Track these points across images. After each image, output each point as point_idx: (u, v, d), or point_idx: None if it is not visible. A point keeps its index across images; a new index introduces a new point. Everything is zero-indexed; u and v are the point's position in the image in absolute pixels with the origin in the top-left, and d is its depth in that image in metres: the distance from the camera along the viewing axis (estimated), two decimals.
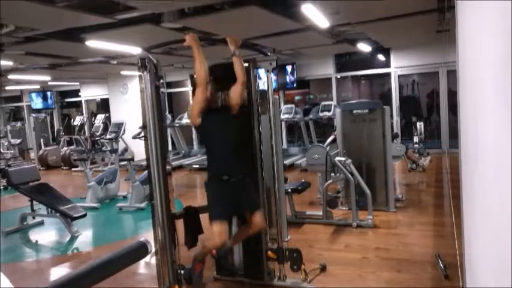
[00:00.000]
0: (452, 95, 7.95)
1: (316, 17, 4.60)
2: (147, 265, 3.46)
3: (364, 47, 7.67)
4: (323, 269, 3.10)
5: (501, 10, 0.86)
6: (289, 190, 4.19)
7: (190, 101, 2.67)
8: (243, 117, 2.74)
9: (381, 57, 8.83)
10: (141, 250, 1.95)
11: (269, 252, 2.92)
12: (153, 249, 2.34)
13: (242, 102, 2.66)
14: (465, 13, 1.25)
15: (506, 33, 0.82)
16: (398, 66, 8.49)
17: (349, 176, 4.16)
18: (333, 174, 4.30)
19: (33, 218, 5.03)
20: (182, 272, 2.68)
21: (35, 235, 4.78)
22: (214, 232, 2.51)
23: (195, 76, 2.56)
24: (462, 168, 1.47)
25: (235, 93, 2.62)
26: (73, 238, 4.46)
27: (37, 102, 11.89)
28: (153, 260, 2.77)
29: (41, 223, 5.08)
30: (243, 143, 2.73)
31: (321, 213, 4.30)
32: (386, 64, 8.68)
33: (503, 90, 0.84)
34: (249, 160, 2.81)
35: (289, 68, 8.83)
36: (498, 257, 0.90)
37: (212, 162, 2.66)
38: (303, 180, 4.69)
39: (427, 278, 2.90)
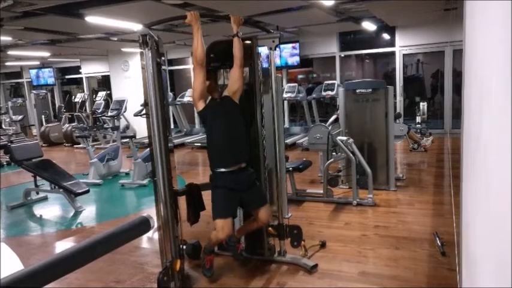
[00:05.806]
0: (457, 75, 7.85)
1: None
2: (150, 240, 3.54)
3: (369, 26, 7.51)
4: (323, 245, 3.17)
5: None
6: (291, 168, 4.21)
7: (192, 78, 2.66)
8: (246, 100, 2.74)
9: (385, 36, 8.66)
10: (143, 225, 1.97)
11: (270, 228, 2.97)
12: (156, 225, 2.38)
13: (242, 85, 2.64)
14: None
15: None
16: (404, 45, 8.34)
17: (351, 155, 4.17)
18: (334, 153, 4.31)
19: (37, 193, 5.10)
20: (184, 247, 2.74)
21: (39, 210, 4.86)
22: (217, 227, 2.57)
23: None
24: (463, 149, 1.47)
25: (234, 78, 2.60)
26: (77, 213, 4.54)
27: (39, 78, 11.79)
28: (156, 235, 2.82)
29: (45, 198, 5.15)
30: (245, 133, 2.71)
31: (321, 191, 4.35)
32: (391, 43, 8.53)
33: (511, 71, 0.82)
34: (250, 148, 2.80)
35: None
36: (497, 241, 0.91)
37: (215, 153, 2.65)
38: (304, 159, 4.70)
39: (425, 255, 2.95)
